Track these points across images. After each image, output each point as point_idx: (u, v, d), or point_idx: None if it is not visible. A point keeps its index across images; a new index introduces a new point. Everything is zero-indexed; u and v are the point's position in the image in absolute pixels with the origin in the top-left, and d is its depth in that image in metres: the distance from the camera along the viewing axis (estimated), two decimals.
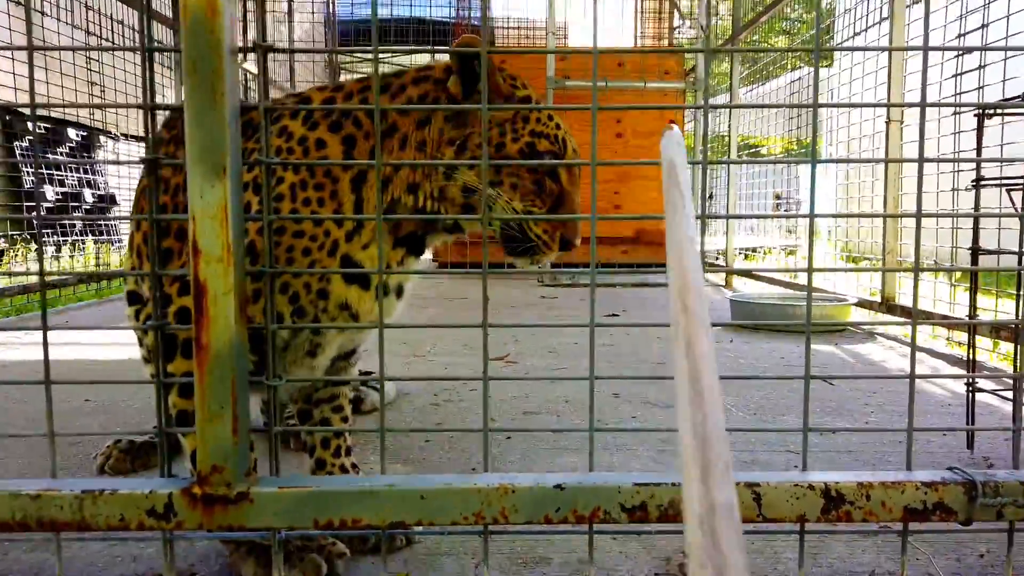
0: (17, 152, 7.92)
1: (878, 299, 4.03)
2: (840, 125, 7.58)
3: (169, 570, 1.21)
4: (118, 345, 3.46)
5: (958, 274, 4.09)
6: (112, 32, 5.56)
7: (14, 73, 3.88)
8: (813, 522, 1.15)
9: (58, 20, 4.96)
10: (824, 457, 1.91)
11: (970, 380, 1.91)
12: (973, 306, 2.08)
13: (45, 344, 1.21)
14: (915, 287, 1.27)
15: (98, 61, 5.34)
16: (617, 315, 4.59)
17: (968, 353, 1.95)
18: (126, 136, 7.09)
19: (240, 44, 1.14)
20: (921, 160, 1.23)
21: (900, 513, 1.16)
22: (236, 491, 1.13)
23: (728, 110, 8.15)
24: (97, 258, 8.08)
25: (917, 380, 1.27)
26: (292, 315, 1.33)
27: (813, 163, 1.29)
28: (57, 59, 4.84)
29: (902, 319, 3.71)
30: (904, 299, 3.95)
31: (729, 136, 7.16)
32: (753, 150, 10.85)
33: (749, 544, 1.41)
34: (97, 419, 2.28)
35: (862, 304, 4.15)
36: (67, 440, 2.04)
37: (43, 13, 4.91)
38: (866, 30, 5.67)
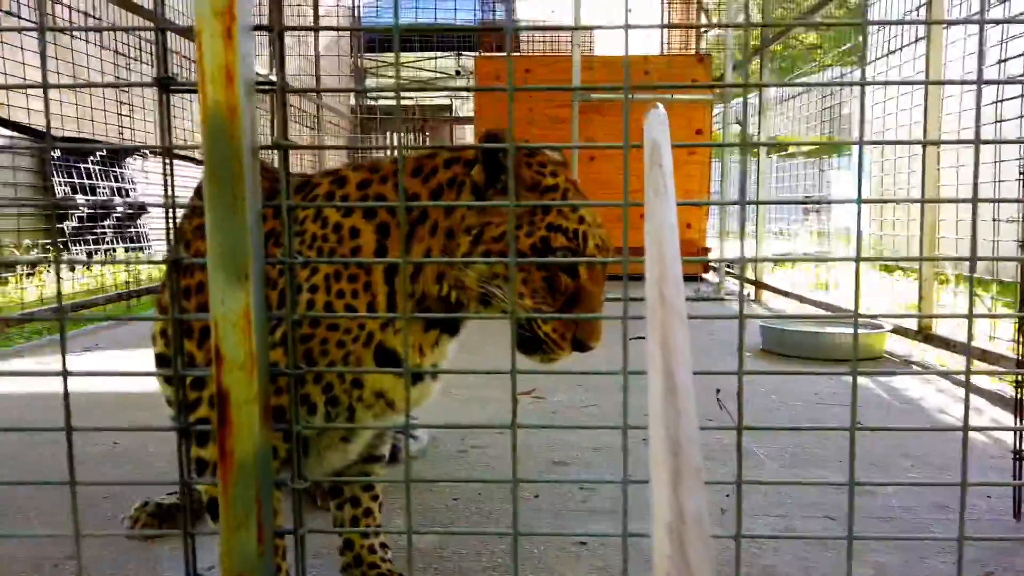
0: (49, 164, 8.03)
1: (914, 326, 3.92)
2: (873, 120, 7.45)
3: None
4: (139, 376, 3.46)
5: (995, 288, 3.97)
6: (140, 51, 5.60)
7: (47, 99, 3.91)
8: None
9: (86, 42, 5.00)
10: (860, 524, 1.85)
11: (1018, 444, 1.84)
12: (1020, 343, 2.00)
13: (66, 395, 1.20)
14: (969, 330, 1.19)
15: (126, 79, 5.37)
16: (643, 337, 4.53)
17: (1016, 399, 1.87)
18: (154, 153, 7.14)
19: (260, 143, 1.11)
20: (978, 142, 1.13)
21: None
22: None
23: (758, 111, 8.01)
24: (126, 267, 8.17)
25: (958, 422, 1.21)
26: (325, 404, 1.32)
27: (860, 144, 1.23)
28: (86, 80, 4.88)
29: (954, 370, 3.61)
30: (943, 322, 3.85)
31: (758, 134, 7.01)
32: (783, 151, 10.73)
33: None
34: (124, 468, 2.28)
35: (897, 331, 4.05)
36: (95, 491, 2.04)
37: (72, 35, 4.96)
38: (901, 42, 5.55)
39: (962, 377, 1.17)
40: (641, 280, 1.43)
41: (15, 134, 5.39)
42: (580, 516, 1.92)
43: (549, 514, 1.93)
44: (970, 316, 1.14)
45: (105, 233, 8.70)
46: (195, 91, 1.08)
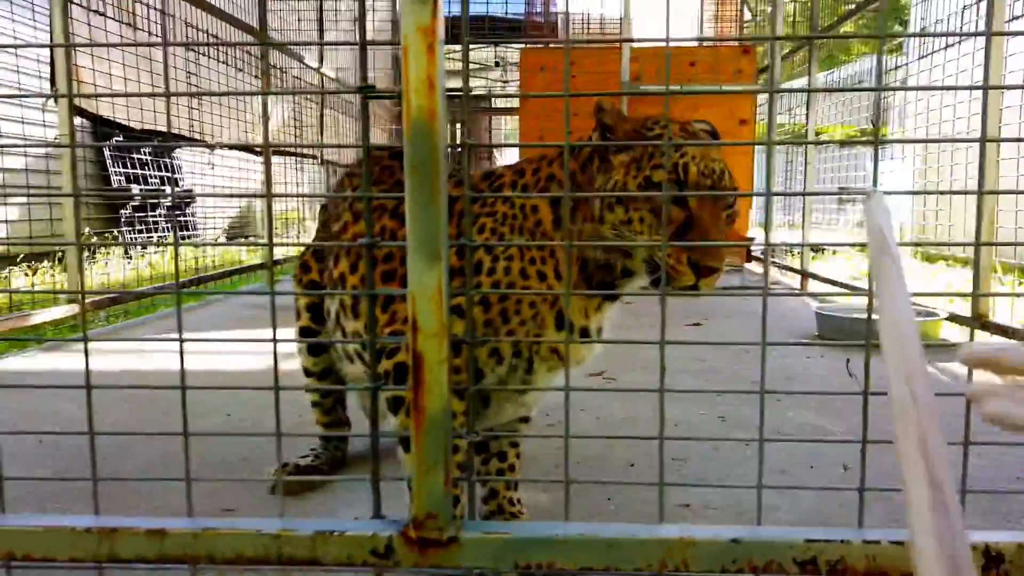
0: (107, 154, 8.33)
1: (968, 313, 4.02)
2: (918, 112, 7.47)
3: None
4: (239, 354, 3.68)
5: None
6: (207, 47, 5.80)
7: (128, 89, 4.11)
8: None
9: (157, 36, 5.21)
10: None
11: None
12: None
13: (275, 365, 1.37)
14: None
15: (196, 75, 5.59)
16: (700, 324, 4.67)
17: None
18: (222, 146, 7.40)
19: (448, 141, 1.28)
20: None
21: None
22: (447, 535, 1.29)
23: (805, 99, 8.07)
24: (176, 258, 8.44)
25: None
26: (512, 355, 1.53)
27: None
28: (159, 74, 5.11)
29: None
30: (999, 311, 3.95)
31: (807, 125, 7.07)
32: (816, 137, 10.73)
33: None
34: (243, 438, 2.48)
35: (953, 319, 4.15)
36: (230, 456, 2.24)
37: (149, 33, 5.18)
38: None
39: None
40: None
41: (83, 123, 5.63)
42: (675, 488, 2.08)
43: (640, 499, 2.08)
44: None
45: (157, 221, 9.01)
46: (391, 97, 1.25)
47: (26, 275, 6.49)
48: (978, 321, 3.91)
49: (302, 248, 2.16)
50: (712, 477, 2.14)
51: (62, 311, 4.25)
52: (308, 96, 9.14)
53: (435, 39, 1.21)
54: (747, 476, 2.11)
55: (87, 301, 4.46)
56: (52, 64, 4.10)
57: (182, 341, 1.39)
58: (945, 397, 2.37)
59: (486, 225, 1.56)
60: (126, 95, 1.46)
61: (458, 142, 1.29)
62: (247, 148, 7.52)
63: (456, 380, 1.29)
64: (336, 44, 6.94)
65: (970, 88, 1.28)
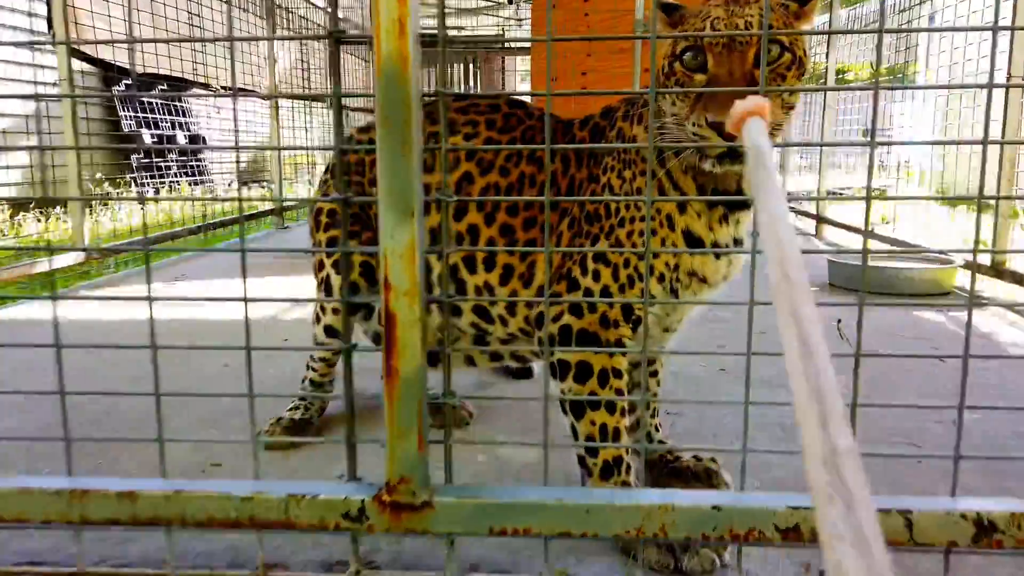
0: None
1: (987, 261, 3.91)
2: (942, 49, 7.18)
3: (356, 560, 1.36)
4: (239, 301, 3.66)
5: None
6: None
7: (132, 30, 4.00)
8: (962, 548, 1.20)
9: None
10: (947, 451, 1.94)
11: None
12: None
13: (247, 328, 1.33)
14: None
15: (199, 16, 5.45)
16: None
17: None
18: (225, 88, 7.28)
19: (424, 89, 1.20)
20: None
21: None
22: (420, 500, 1.26)
23: (827, 36, 7.79)
24: (190, 205, 8.41)
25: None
26: (660, 284, 1.52)
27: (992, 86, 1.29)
28: (162, 16, 4.99)
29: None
30: (1016, 257, 3.84)
31: (828, 60, 6.82)
32: (839, 76, 10.38)
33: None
34: (241, 387, 2.46)
35: (968, 266, 4.04)
36: (221, 409, 2.23)
37: None
38: None
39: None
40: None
41: (85, 67, 5.54)
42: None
43: None
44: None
45: (170, 167, 8.97)
46: (362, 43, 1.17)
47: (38, 220, 6.50)
48: (993, 269, 3.80)
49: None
50: (706, 431, 2.10)
51: (70, 258, 4.25)
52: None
53: None
54: (741, 430, 2.06)
55: (89, 251, 4.45)
56: (49, 5, 3.99)
57: (151, 300, 1.35)
58: (953, 354, 2.23)
59: (607, 164, 1.58)
60: (127, 40, 1.40)
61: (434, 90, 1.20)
62: (250, 93, 7.40)
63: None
64: None
65: (966, 29, 1.17)
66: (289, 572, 1.43)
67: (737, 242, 1.55)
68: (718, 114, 1.26)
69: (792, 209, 6.99)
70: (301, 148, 1.91)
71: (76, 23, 4.48)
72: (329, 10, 1.21)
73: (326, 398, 2.17)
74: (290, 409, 2.07)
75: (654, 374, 1.82)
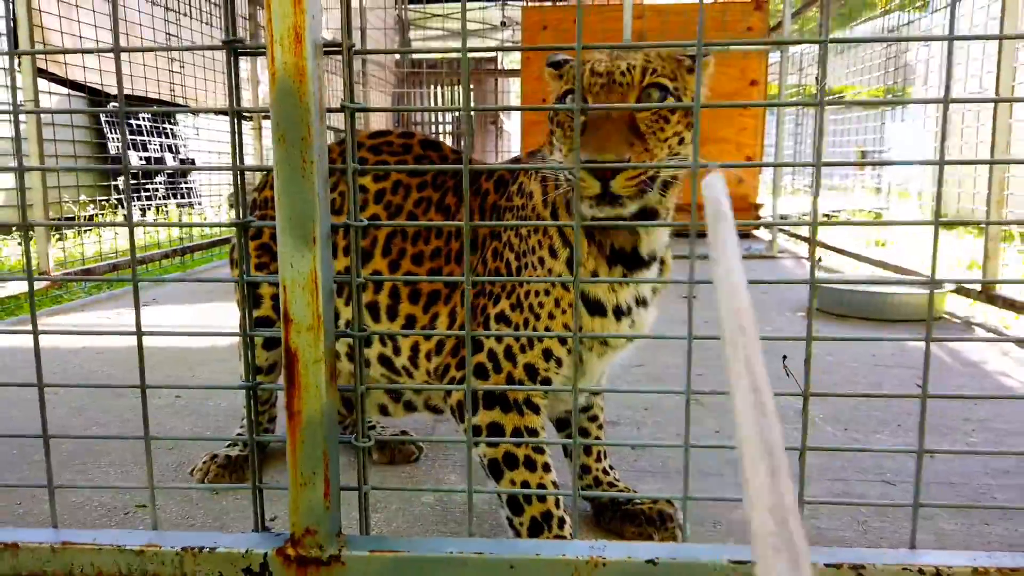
0: (102, 119, 8.19)
1: (977, 287, 3.81)
2: (935, 69, 7.14)
3: None
4: (208, 327, 3.56)
5: None
6: (190, 6, 5.61)
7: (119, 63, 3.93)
8: None
9: None
10: (921, 491, 1.82)
11: None
12: None
13: (141, 358, 1.23)
14: None
15: (177, 37, 5.40)
16: (696, 296, 4.47)
17: None
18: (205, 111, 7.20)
19: (329, 105, 1.11)
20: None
21: None
22: (328, 554, 1.14)
23: (819, 59, 7.76)
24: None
25: (1021, 385, 1.18)
26: (563, 346, 1.45)
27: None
28: (138, 37, 4.93)
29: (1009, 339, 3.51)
30: (1007, 282, 3.73)
31: (821, 80, 6.79)
32: (837, 96, 10.33)
33: None
34: (187, 420, 2.36)
35: (959, 291, 3.93)
36: (160, 443, 2.12)
37: None
38: None
39: (1009, 335, 1.13)
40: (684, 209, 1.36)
41: (72, 92, 5.50)
42: (633, 477, 1.93)
43: None
44: (932, 281, 1.10)
45: (157, 189, 8.89)
46: (263, 54, 1.08)
47: (19, 244, 6.42)
48: (984, 294, 3.69)
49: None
50: (672, 467, 1.98)
51: (37, 284, 4.15)
52: None
53: None
54: (708, 466, 1.95)
55: (48, 278, 4.36)
56: (14, 21, 3.91)
57: (35, 333, 1.25)
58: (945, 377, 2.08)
59: (508, 219, 1.55)
60: (80, 51, 1.32)
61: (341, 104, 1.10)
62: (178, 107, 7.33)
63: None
64: None
65: (925, 39, 1.08)
66: None
67: (640, 302, 1.47)
68: (593, 154, 1.20)
69: (782, 230, 6.90)
70: (203, 168, 1.81)
71: (43, 42, 4.41)
72: (225, 19, 1.12)
73: (208, 439, 2.05)
74: (228, 445, 1.96)
75: (593, 419, 1.72)
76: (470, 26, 14.43)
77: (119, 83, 1.16)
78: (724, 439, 2.18)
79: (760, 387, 0.54)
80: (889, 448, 1.50)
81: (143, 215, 8.44)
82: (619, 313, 1.45)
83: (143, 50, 1.05)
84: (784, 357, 2.49)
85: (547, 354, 1.43)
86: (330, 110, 1.12)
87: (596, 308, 1.44)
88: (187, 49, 1.03)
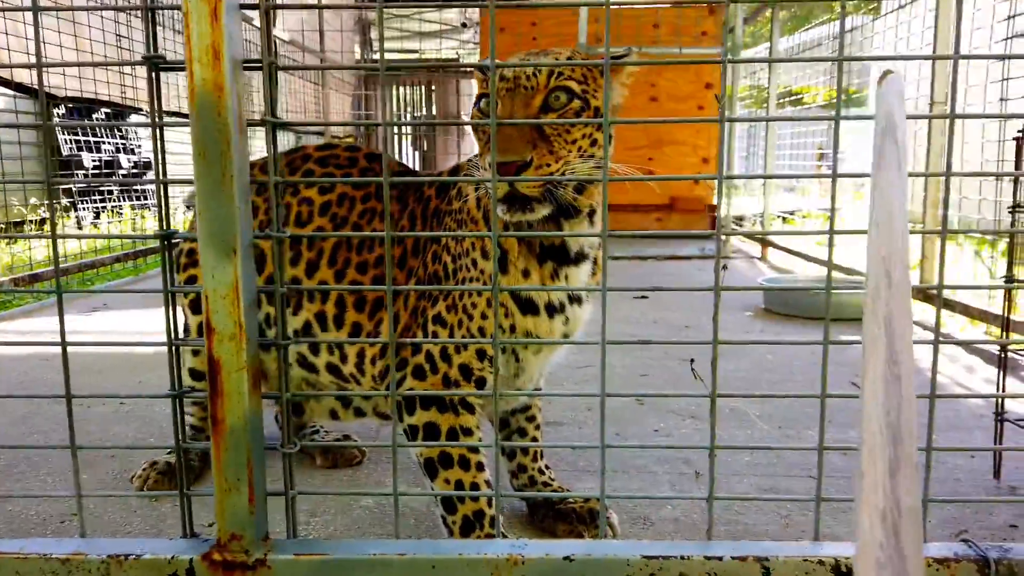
0: (56, 121, 8.05)
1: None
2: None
3: None
4: (158, 333, 3.54)
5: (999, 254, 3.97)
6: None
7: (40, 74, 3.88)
8: None
9: None
10: (842, 486, 1.90)
11: (999, 407, 1.88)
12: (1006, 327, 2.03)
13: (66, 367, 1.25)
14: (938, 305, 1.23)
15: (128, 39, 5.33)
16: (647, 296, 4.56)
17: (1001, 360, 1.91)
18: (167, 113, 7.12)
19: (249, 118, 1.13)
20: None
21: None
22: (254, 558, 1.17)
23: (768, 62, 7.94)
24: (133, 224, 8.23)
25: (950, 382, 1.25)
26: (505, 352, 1.50)
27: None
28: (87, 39, 4.85)
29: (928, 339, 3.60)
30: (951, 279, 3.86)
31: (769, 86, 6.92)
32: (795, 98, 10.52)
33: None
34: (131, 426, 2.35)
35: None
36: (104, 453, 2.11)
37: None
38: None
39: (954, 329, 1.21)
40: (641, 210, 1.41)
41: (17, 94, 5.40)
42: (571, 476, 1.98)
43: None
44: (940, 287, 1.17)
45: (112, 191, 8.75)
46: (183, 69, 1.10)
47: None
48: (921, 293, 3.82)
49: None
50: (611, 465, 2.04)
51: None
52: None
53: (220, 2, 1.05)
54: (645, 465, 2.01)
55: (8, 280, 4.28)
56: None
57: (65, 346, 1.25)
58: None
59: (447, 224, 1.59)
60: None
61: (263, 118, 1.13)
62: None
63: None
64: (119, 9, 6.64)
65: (825, 60, 1.14)
66: None
67: (573, 299, 1.52)
68: (499, 156, 1.23)
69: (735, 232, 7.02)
70: (128, 182, 1.81)
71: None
72: (150, 33, 1.14)
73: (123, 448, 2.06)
74: (169, 452, 1.97)
75: (531, 419, 1.77)
76: (431, 27, 14.42)
77: (42, 95, 1.18)
78: (661, 438, 2.24)
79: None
80: (790, 447, 1.56)
81: (97, 217, 8.31)
82: (551, 310, 1.50)
83: (63, 64, 1.07)
84: (691, 360, 2.58)
85: (481, 354, 1.47)
86: (251, 123, 1.15)
87: (528, 307, 1.49)
88: (102, 65, 1.05)
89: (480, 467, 1.46)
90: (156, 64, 1.14)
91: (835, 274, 5.04)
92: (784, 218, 9.36)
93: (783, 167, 10.89)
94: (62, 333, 1.23)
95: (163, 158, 1.18)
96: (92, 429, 2.33)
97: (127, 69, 5.49)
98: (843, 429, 2.30)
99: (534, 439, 1.76)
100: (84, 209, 8.09)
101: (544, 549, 1.17)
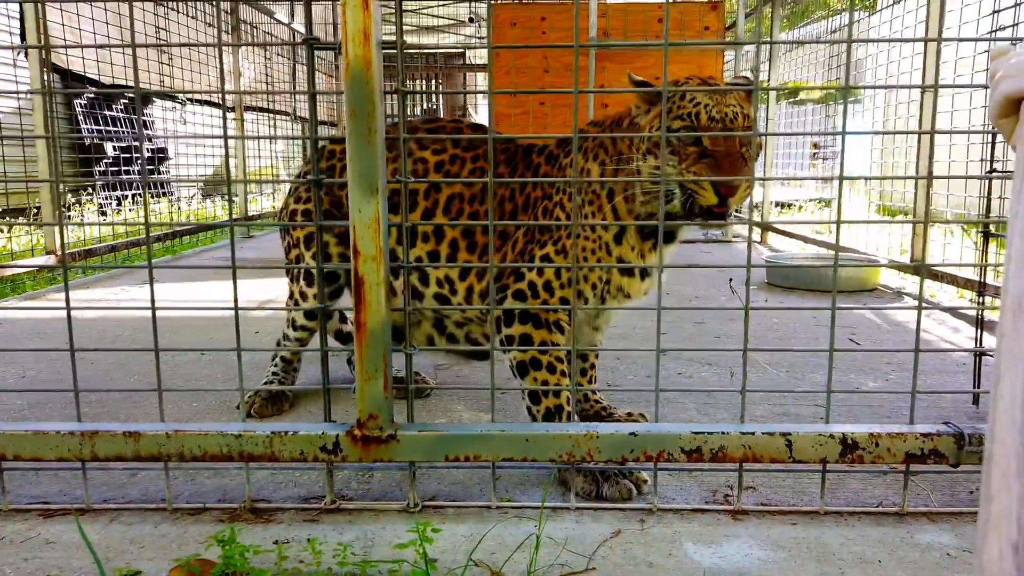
0: (78, 109, 8.32)
1: (908, 259, 4.26)
2: (887, 65, 7.63)
3: (331, 491, 1.59)
4: (207, 300, 3.84)
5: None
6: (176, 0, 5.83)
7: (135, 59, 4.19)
8: (832, 464, 1.47)
9: None
10: (848, 412, 2.22)
11: (977, 348, 2.20)
12: (983, 283, 2.36)
13: (154, 316, 1.55)
14: (920, 260, 1.54)
15: (165, 31, 5.62)
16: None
17: (978, 318, 2.24)
18: (192, 101, 7.41)
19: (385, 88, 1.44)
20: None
21: (902, 457, 1.48)
22: (387, 433, 1.49)
23: (768, 57, 8.25)
24: (145, 214, 8.48)
25: (937, 339, 1.57)
26: (592, 291, 1.81)
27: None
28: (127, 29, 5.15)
29: (911, 305, 3.95)
30: (935, 259, 4.18)
31: (768, 81, 7.24)
32: (792, 98, 10.87)
33: (782, 479, 1.74)
34: (217, 370, 2.67)
35: (892, 266, 4.39)
36: (199, 386, 2.43)
37: None
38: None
39: (944, 298, 1.52)
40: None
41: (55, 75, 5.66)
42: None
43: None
44: (922, 266, 1.49)
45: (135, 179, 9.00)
46: (335, 48, 1.41)
47: (1, 231, 6.56)
48: (914, 267, 4.15)
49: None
50: (642, 399, 2.36)
51: (39, 262, 4.37)
52: (279, 52, 9.14)
53: None
54: (669, 397, 2.33)
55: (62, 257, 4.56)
56: (22, 19, 4.14)
57: (68, 309, 1.56)
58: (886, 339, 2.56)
59: (559, 186, 1.84)
60: (96, 47, 1.60)
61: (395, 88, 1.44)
62: (212, 104, 7.53)
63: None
64: None
65: (826, 42, 1.46)
66: (271, 503, 1.63)
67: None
68: (725, 190, 1.57)
69: (737, 216, 7.34)
70: (283, 137, 2.12)
71: (45, 35, 4.62)
72: (304, 21, 1.45)
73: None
74: (266, 382, 2.28)
75: (591, 366, 2.08)
76: (437, 22, 14.70)
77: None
78: (685, 379, 2.56)
79: None
80: (798, 390, 1.87)
81: (119, 204, 8.59)
82: (644, 274, 1.84)
83: (187, 45, 1.36)
84: (731, 279, 2.89)
85: (579, 293, 1.79)
86: (386, 92, 1.46)
87: (627, 271, 1.82)
88: (267, 44, 1.33)
89: (563, 373, 1.76)
90: (312, 45, 1.45)
91: (827, 251, 5.39)
92: (781, 208, 9.70)
93: (779, 158, 11.18)
94: (152, 300, 1.54)
95: (315, 123, 1.48)
96: (183, 372, 2.64)
97: (164, 59, 5.78)
98: (844, 373, 2.62)
99: (592, 364, 2.08)
100: (105, 197, 8.38)
101: (613, 428, 1.49)
